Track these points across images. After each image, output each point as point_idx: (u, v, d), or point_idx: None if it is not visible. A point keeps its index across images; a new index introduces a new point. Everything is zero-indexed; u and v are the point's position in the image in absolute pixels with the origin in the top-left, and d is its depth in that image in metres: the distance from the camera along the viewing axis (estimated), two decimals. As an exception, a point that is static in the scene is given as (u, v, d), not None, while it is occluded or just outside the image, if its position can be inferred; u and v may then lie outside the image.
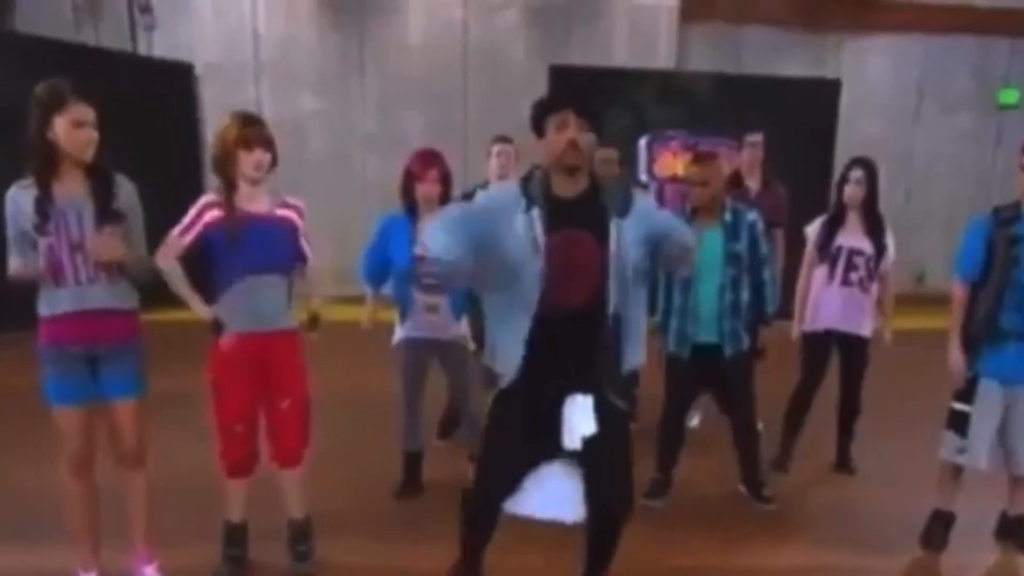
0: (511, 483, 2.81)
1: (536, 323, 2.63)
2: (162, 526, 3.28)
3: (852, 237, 4.35)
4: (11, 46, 7.48)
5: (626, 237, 2.62)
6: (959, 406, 3.60)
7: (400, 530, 3.80)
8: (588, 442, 2.69)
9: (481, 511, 2.93)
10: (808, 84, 9.25)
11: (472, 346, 3.99)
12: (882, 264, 4.38)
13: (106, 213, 2.85)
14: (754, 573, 3.55)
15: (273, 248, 3.09)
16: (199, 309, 3.09)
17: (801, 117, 8.33)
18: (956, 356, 3.56)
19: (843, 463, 4.66)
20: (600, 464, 2.78)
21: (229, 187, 3.07)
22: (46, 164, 2.78)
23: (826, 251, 4.38)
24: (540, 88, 9.03)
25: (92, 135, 2.81)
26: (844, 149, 8.73)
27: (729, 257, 3.82)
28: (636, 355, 2.78)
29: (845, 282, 4.35)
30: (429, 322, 3.86)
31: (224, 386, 3.12)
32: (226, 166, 3.04)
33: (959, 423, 3.59)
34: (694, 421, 4.98)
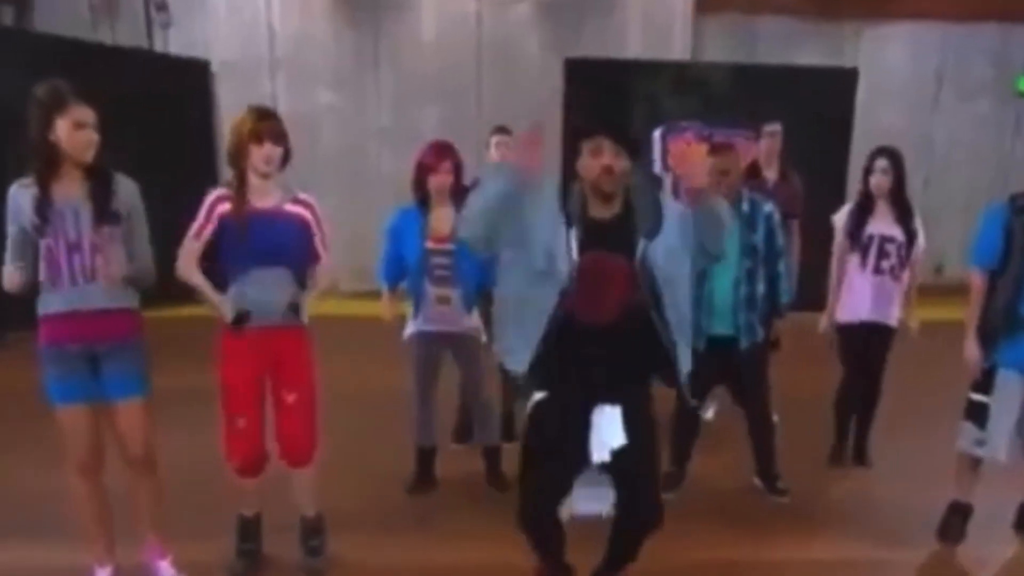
0: (556, 492, 2.82)
1: (564, 336, 2.65)
2: (175, 520, 3.29)
3: (883, 225, 4.31)
4: (29, 45, 7.56)
5: (653, 254, 2.65)
6: (977, 397, 3.55)
7: (412, 526, 3.81)
8: (617, 453, 2.71)
9: (535, 524, 2.92)
10: (825, 73, 9.16)
11: (485, 338, 3.99)
12: (913, 251, 4.34)
13: (103, 214, 2.84)
14: (771, 566, 3.54)
15: (278, 243, 3.08)
16: (224, 309, 3.09)
17: (818, 107, 8.26)
18: (972, 347, 3.52)
19: (859, 456, 4.63)
20: (629, 476, 2.79)
21: (240, 180, 3.08)
22: (47, 165, 2.79)
23: (857, 239, 4.34)
24: (554, 81, 9.03)
25: (93, 137, 2.82)
26: (861, 138, 8.67)
27: (746, 249, 3.79)
28: (687, 356, 2.79)
29: (877, 270, 4.31)
30: (441, 314, 3.86)
31: (231, 380, 3.13)
32: (238, 158, 3.06)
33: (977, 414, 3.54)
34: (709, 414, 4.95)
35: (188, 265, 3.09)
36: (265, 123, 3.06)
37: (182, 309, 6.77)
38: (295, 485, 3.37)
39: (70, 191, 2.82)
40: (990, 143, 10.64)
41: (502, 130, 4.71)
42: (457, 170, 3.85)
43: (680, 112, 8.45)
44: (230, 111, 8.88)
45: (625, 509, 2.84)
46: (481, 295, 3.95)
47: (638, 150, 2.69)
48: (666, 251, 2.68)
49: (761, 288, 3.84)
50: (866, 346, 4.43)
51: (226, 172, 3.21)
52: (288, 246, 3.13)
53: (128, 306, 2.98)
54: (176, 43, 9.46)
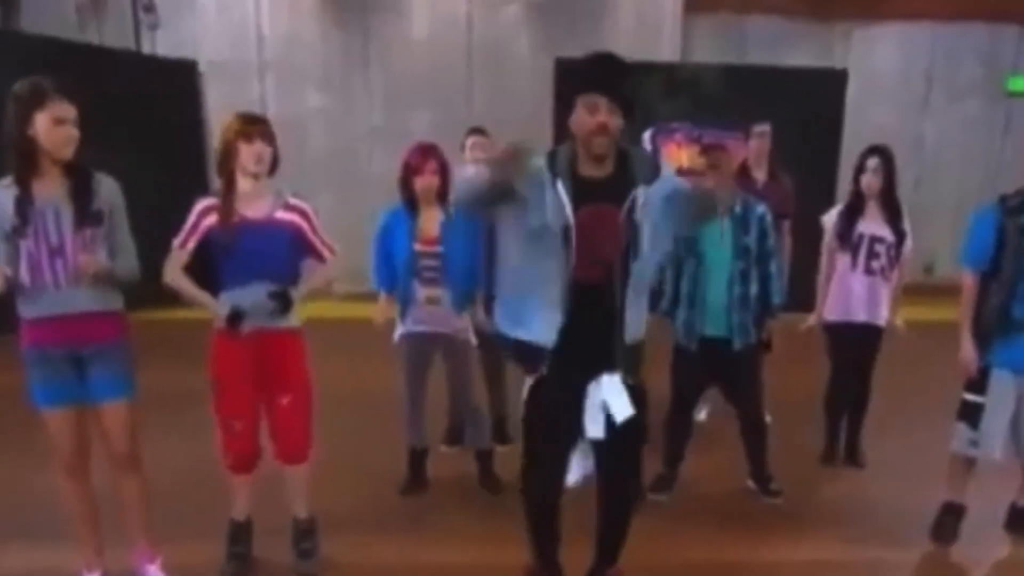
0: (557, 467, 2.83)
1: (566, 299, 2.61)
2: (165, 524, 3.26)
3: (873, 225, 4.31)
4: (16, 46, 7.48)
5: (649, 202, 2.60)
6: (971, 397, 3.56)
7: (404, 527, 3.78)
8: (611, 427, 2.69)
9: (540, 502, 2.95)
10: (815, 74, 9.16)
11: (475, 340, 3.97)
12: (902, 251, 4.35)
13: (86, 216, 2.80)
14: (765, 568, 3.52)
15: (268, 254, 3.04)
16: (213, 308, 3.06)
17: (808, 108, 8.25)
18: (967, 348, 3.52)
19: (852, 456, 4.62)
20: (617, 450, 2.79)
21: (228, 186, 3.05)
22: (26, 162, 2.73)
23: (847, 240, 4.34)
24: (545, 82, 9.01)
25: (73, 133, 2.76)
26: (851, 139, 8.69)
27: (738, 250, 3.78)
28: (638, 326, 2.74)
29: (868, 271, 4.31)
30: (430, 315, 3.84)
31: (224, 383, 3.11)
32: (227, 160, 3.03)
33: (971, 414, 3.54)
34: (701, 415, 4.96)
35: (174, 272, 3.05)
36: (254, 124, 3.04)
37: (174, 311, 6.74)
38: (288, 484, 3.35)
39: (50, 190, 2.76)
40: (980, 143, 10.67)
41: (477, 131, 4.69)
42: (443, 171, 3.83)
43: (670, 113, 8.48)
44: (218, 113, 8.86)
45: (607, 479, 2.85)
46: (470, 298, 3.93)
47: (632, 110, 2.60)
48: (652, 226, 2.63)
49: (754, 289, 3.83)
50: (856, 346, 4.43)
51: (215, 173, 3.18)
52: (280, 258, 3.10)
53: (113, 308, 2.93)
54: (164, 44, 9.41)
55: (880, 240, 4.30)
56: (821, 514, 4.02)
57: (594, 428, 2.69)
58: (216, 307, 3.05)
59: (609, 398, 2.67)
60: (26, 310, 2.83)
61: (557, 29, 9.64)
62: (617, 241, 2.60)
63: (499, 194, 2.55)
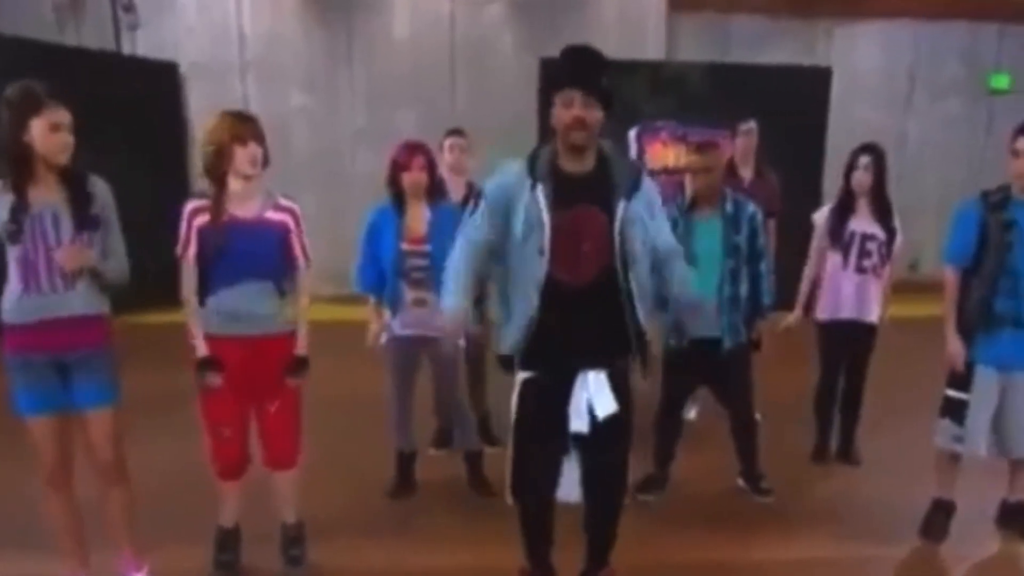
0: (546, 467, 2.85)
1: (544, 301, 2.64)
2: (152, 530, 3.22)
3: (863, 223, 4.31)
4: (-7, 48, 7.38)
5: (632, 216, 2.64)
6: (954, 394, 3.57)
7: (393, 531, 3.75)
8: (596, 423, 2.71)
9: (532, 502, 2.95)
10: (799, 72, 9.17)
11: (462, 343, 3.94)
12: (893, 248, 4.35)
13: (84, 219, 2.77)
14: (755, 567, 3.51)
15: (260, 254, 3.02)
16: (199, 345, 3.04)
17: (792, 105, 8.25)
18: (954, 343, 3.52)
19: (847, 455, 4.62)
20: (610, 444, 2.80)
21: (219, 187, 3.00)
22: (21, 168, 2.69)
23: (839, 238, 4.33)
24: (529, 81, 8.99)
25: (68, 139, 2.73)
26: (834, 137, 8.72)
27: (729, 249, 3.77)
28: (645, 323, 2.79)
29: (859, 269, 4.31)
30: (418, 318, 3.79)
31: (211, 389, 3.05)
32: (219, 163, 2.97)
33: (955, 411, 3.56)
34: (691, 414, 4.95)
35: (189, 292, 3.05)
36: (246, 125, 2.99)
37: (161, 315, 6.68)
38: (277, 489, 3.32)
39: (47, 195, 2.73)
40: (962, 141, 10.72)
41: (456, 132, 4.66)
42: (431, 168, 3.81)
43: (655, 111, 8.47)
44: (200, 114, 8.78)
45: (592, 480, 2.86)
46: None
47: (610, 103, 2.64)
48: (642, 231, 2.68)
49: (744, 289, 3.82)
50: (848, 344, 4.43)
51: (196, 174, 3.14)
52: (271, 257, 3.07)
53: (100, 312, 2.90)
54: (144, 45, 9.29)
55: (871, 238, 4.30)
56: (812, 512, 4.01)
57: (578, 422, 2.73)
58: (200, 345, 3.03)
59: (594, 395, 2.71)
60: (13, 315, 2.78)
61: (541, 28, 9.60)
62: (601, 242, 2.62)
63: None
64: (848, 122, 9.16)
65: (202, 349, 3.04)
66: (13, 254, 2.72)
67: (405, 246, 3.75)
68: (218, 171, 2.99)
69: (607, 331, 2.71)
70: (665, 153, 8.44)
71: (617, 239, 2.62)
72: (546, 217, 2.59)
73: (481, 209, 2.77)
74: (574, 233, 2.61)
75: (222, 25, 9.41)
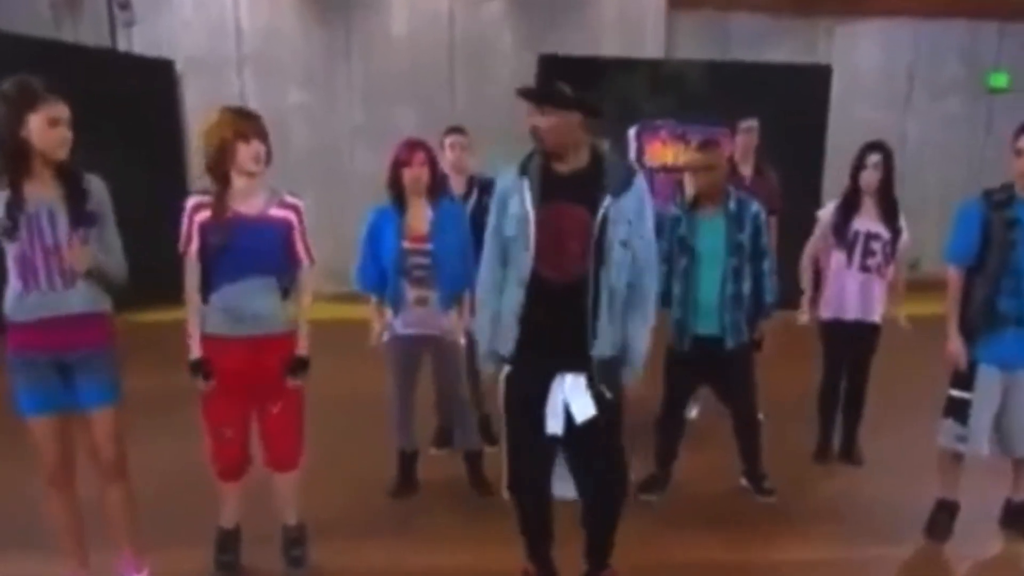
0: (536, 459, 2.85)
1: (530, 297, 2.69)
2: (152, 531, 3.19)
3: (868, 222, 4.28)
4: (-11, 44, 7.33)
5: (615, 216, 2.65)
6: (957, 393, 3.55)
7: (394, 530, 3.73)
8: (571, 425, 2.71)
9: (525, 496, 2.96)
10: (799, 70, 9.16)
11: (463, 340, 3.91)
12: (898, 246, 4.33)
13: (81, 216, 2.74)
14: (758, 568, 3.50)
15: (263, 251, 2.99)
16: (194, 346, 3.02)
17: (792, 104, 8.25)
18: (956, 343, 3.51)
19: (849, 454, 4.60)
20: (593, 447, 2.80)
21: (222, 184, 2.97)
22: (18, 164, 2.66)
23: (843, 236, 4.31)
24: (528, 78, 8.95)
25: (67, 134, 2.70)
26: (836, 135, 8.70)
27: (732, 247, 3.74)
28: (643, 323, 2.79)
29: (863, 268, 4.29)
30: (419, 316, 3.78)
31: (212, 390, 3.03)
32: (222, 160, 2.94)
33: (958, 410, 3.54)
34: (692, 413, 4.93)
35: (191, 290, 3.02)
36: (249, 121, 2.96)
37: (160, 313, 6.65)
38: (278, 490, 3.29)
39: (42, 192, 2.70)
40: (962, 140, 10.73)
41: (456, 130, 4.63)
42: (432, 165, 3.78)
43: (655, 109, 8.46)
44: (197, 110, 8.74)
45: (591, 482, 2.86)
46: (458, 298, 3.88)
47: (578, 104, 2.66)
48: (624, 232, 2.67)
49: (747, 287, 3.80)
50: (850, 344, 4.41)
51: (193, 172, 3.11)
52: (274, 254, 3.04)
53: (102, 310, 2.87)
54: (140, 41, 9.24)
55: (876, 237, 4.27)
56: (815, 512, 3.99)
57: (553, 423, 2.74)
58: (195, 347, 3.02)
59: (571, 398, 2.71)
60: (15, 313, 2.75)
61: (540, 25, 9.58)
62: (582, 240, 2.64)
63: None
64: (848, 121, 9.15)
65: (196, 351, 3.01)
66: (11, 252, 2.69)
67: (407, 244, 3.72)
68: (221, 168, 2.95)
69: (587, 331, 2.70)
70: (664, 151, 8.45)
71: (594, 236, 2.64)
72: (531, 213, 2.65)
73: (490, 227, 2.84)
74: (557, 230, 2.65)
75: (218, 20, 9.37)
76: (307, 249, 3.15)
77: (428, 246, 3.71)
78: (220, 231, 2.93)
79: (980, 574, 3.62)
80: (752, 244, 3.77)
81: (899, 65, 10.57)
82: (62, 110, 2.68)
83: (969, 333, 3.49)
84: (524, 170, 2.73)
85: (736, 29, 10.13)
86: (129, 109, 8.13)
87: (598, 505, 2.93)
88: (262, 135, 2.96)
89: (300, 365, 3.12)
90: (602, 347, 2.71)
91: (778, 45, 10.00)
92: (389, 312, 3.84)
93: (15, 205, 2.65)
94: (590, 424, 2.71)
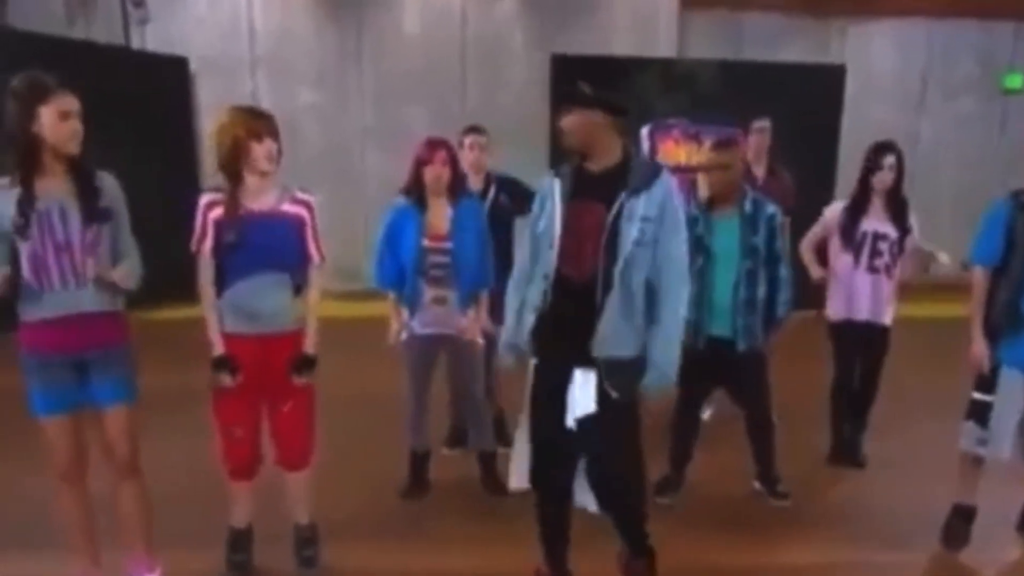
0: (563, 454, 2.85)
1: (553, 293, 2.74)
2: (164, 530, 3.18)
3: (876, 222, 4.25)
4: (3, 42, 7.36)
5: (630, 213, 2.65)
6: (980, 396, 3.50)
7: (406, 531, 3.72)
8: (584, 422, 2.73)
9: (545, 490, 2.97)
10: (812, 70, 9.11)
11: (481, 341, 3.90)
12: (907, 242, 4.28)
13: (93, 213, 2.72)
14: (772, 571, 3.47)
15: (276, 247, 2.99)
16: (216, 341, 3.02)
17: (805, 103, 8.20)
18: (980, 345, 3.47)
19: (852, 455, 4.56)
20: (590, 445, 2.79)
21: (234, 183, 2.97)
22: (29, 160, 2.64)
23: (851, 237, 4.27)
24: (540, 77, 8.96)
25: (78, 127, 2.67)
26: (849, 135, 8.65)
27: (747, 250, 3.71)
28: (663, 326, 2.73)
29: (871, 268, 4.26)
30: (436, 316, 3.77)
31: (224, 388, 3.02)
32: (235, 159, 2.93)
33: (980, 413, 3.49)
34: (705, 414, 4.89)
35: (206, 285, 3.02)
36: (262, 120, 2.96)
37: (172, 311, 6.66)
38: (290, 490, 3.29)
39: (53, 188, 2.67)
40: (976, 141, 10.64)
41: (475, 130, 4.61)
42: (453, 163, 3.78)
43: (667, 109, 8.42)
44: (210, 109, 8.75)
45: (593, 483, 2.86)
46: (476, 297, 3.86)
47: (600, 103, 2.69)
48: (639, 231, 2.66)
49: (762, 291, 3.76)
50: (861, 345, 4.38)
51: (205, 170, 3.11)
52: (287, 250, 3.04)
53: (116, 309, 2.85)
54: (154, 39, 9.26)
55: (883, 237, 4.24)
56: (828, 516, 3.97)
57: (570, 417, 2.77)
58: (217, 343, 3.01)
59: (576, 393, 2.74)
60: (28, 312, 2.73)
61: (552, 24, 9.56)
62: (596, 238, 2.66)
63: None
64: (862, 121, 9.11)
65: (218, 347, 3.01)
66: (24, 251, 2.66)
67: (427, 243, 3.71)
68: (234, 166, 2.95)
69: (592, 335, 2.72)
70: (677, 150, 8.40)
71: (607, 232, 2.65)
72: (557, 210, 2.73)
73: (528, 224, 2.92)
74: (578, 228, 2.69)
75: (232, 20, 9.38)
76: (318, 246, 3.14)
77: (448, 244, 3.70)
78: (233, 228, 2.93)
79: (997, 580, 3.59)
80: (767, 248, 3.74)
81: (913, 65, 10.51)
82: (73, 103, 2.66)
83: (992, 334, 3.45)
84: (558, 171, 2.81)
85: (749, 29, 10.09)
86: (142, 107, 8.14)
87: (609, 510, 2.91)
88: (275, 134, 2.97)
89: (306, 363, 3.11)
90: (609, 347, 2.69)
91: (791, 45, 9.95)
92: (406, 312, 3.82)
93: (26, 202, 2.62)
94: (589, 422, 2.72)
